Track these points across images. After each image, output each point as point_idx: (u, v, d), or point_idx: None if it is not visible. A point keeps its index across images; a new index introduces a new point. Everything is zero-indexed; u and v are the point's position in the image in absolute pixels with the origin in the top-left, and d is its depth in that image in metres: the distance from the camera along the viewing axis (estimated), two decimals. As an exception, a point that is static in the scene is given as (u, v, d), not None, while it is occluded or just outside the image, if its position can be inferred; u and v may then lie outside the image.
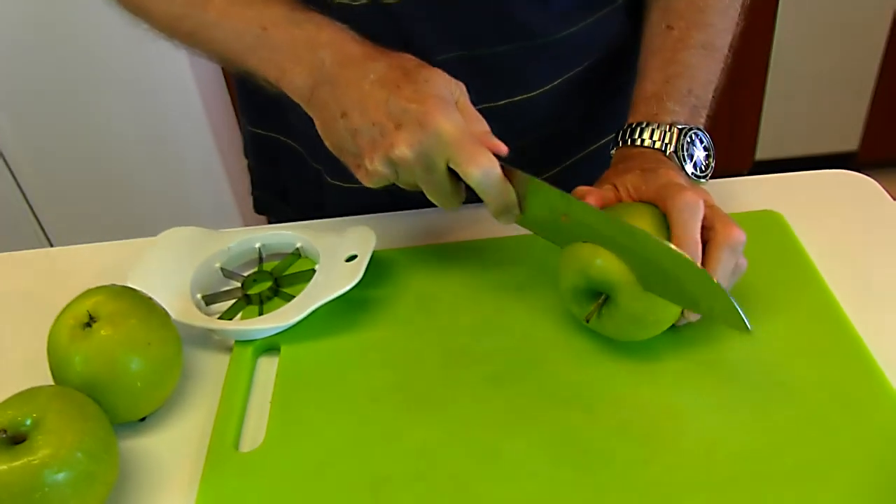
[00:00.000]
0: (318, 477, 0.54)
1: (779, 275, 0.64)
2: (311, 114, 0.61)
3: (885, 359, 0.57)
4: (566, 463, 0.53)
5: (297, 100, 0.62)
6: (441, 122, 0.55)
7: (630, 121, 0.68)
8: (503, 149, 0.57)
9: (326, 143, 0.61)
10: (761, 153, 2.43)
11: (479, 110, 0.59)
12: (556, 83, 0.78)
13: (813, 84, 2.31)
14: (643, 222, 0.56)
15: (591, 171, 0.81)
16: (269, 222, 0.98)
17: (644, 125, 0.65)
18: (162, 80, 1.85)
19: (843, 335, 0.59)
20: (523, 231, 0.63)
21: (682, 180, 0.60)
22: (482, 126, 0.59)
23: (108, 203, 2.04)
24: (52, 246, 2.04)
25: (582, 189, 0.61)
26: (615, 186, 0.62)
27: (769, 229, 0.70)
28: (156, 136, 1.94)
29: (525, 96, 0.77)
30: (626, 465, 0.52)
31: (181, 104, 1.88)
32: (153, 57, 1.80)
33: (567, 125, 0.82)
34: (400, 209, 0.77)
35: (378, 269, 0.69)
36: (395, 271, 0.70)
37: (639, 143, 0.66)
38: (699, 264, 0.55)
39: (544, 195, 0.58)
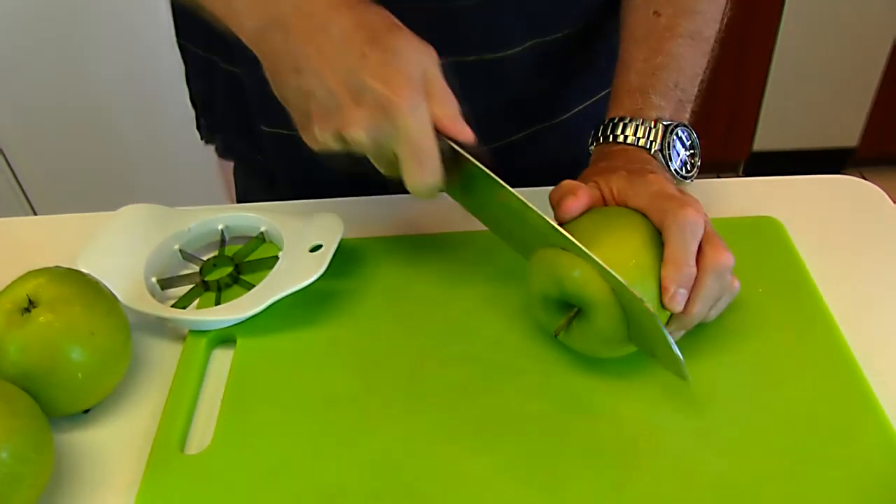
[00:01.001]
0: (265, 487, 0.50)
1: (772, 287, 0.60)
2: (259, 57, 0.55)
3: (881, 382, 0.54)
4: (533, 485, 0.49)
5: (245, 41, 0.55)
6: (404, 117, 0.49)
7: (612, 115, 0.63)
8: (469, 136, 0.53)
9: (275, 92, 0.55)
10: (759, 144, 2.39)
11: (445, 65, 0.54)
12: (526, 45, 0.73)
13: (816, 78, 2.27)
14: (636, 235, 0.53)
15: (548, 142, 0.80)
16: (236, 170, 0.93)
17: (627, 120, 0.61)
18: (145, 34, 1.80)
19: (837, 357, 0.55)
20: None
21: (674, 189, 0.56)
22: (450, 107, 0.53)
23: (95, 168, 1.98)
24: (34, 211, 2.00)
25: (569, 183, 0.57)
26: (598, 186, 0.58)
27: (766, 237, 0.66)
28: (142, 101, 1.88)
29: (495, 55, 0.71)
30: (597, 489, 0.48)
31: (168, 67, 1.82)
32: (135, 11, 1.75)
33: (532, 93, 0.78)
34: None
35: (345, 259, 0.64)
36: (363, 263, 0.65)
37: (621, 139, 0.61)
38: (688, 290, 0.51)
39: (494, 192, 0.54)
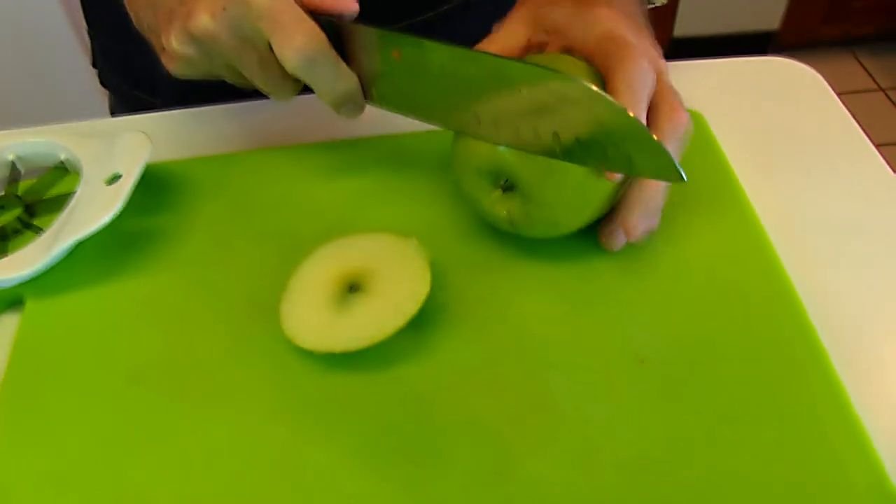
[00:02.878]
0: (44, 501, 0.38)
1: (693, 195, 0.49)
2: None
3: (818, 304, 0.44)
4: (389, 477, 0.37)
5: None
6: None
7: None
8: (350, 6, 0.44)
9: (137, 26, 0.49)
10: (679, 30, 2.28)
11: None
12: None
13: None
14: None
15: (462, 25, 0.67)
16: (111, 103, 0.79)
17: None
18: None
19: (772, 282, 0.45)
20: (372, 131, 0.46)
21: (628, 28, 0.45)
22: None
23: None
24: None
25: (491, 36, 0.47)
26: (531, 27, 0.47)
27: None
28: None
29: None
30: (471, 479, 0.37)
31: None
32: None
33: None
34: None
35: (164, 188, 0.51)
36: (188, 191, 0.52)
37: None
38: None
39: (389, 49, 0.43)
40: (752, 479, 0.36)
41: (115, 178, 0.47)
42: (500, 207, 0.44)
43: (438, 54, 0.41)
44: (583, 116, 0.38)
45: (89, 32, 0.76)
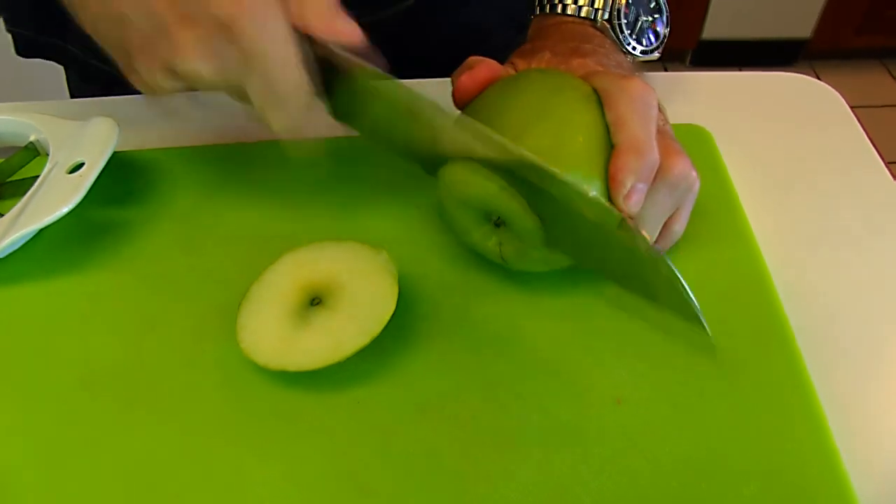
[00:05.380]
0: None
1: (692, 220, 0.45)
2: None
3: (816, 345, 0.41)
4: (340, 510, 0.35)
5: None
6: (249, 35, 0.35)
7: None
8: (353, 35, 0.39)
9: (86, 28, 0.41)
10: (708, 32, 2.23)
11: None
12: None
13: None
14: (576, 107, 0.39)
15: (455, 14, 0.63)
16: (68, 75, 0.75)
17: None
18: None
19: (766, 319, 0.42)
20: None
21: (609, 70, 0.43)
22: (320, 1, 0.39)
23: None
24: None
25: (471, 59, 0.44)
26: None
27: (690, 153, 0.50)
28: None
29: None
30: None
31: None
32: None
33: None
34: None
35: (134, 177, 0.49)
36: (157, 183, 0.49)
37: (559, 8, 0.49)
38: (648, 184, 0.39)
39: (392, 96, 0.40)
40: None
41: (77, 167, 0.44)
42: (491, 242, 0.41)
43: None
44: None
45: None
